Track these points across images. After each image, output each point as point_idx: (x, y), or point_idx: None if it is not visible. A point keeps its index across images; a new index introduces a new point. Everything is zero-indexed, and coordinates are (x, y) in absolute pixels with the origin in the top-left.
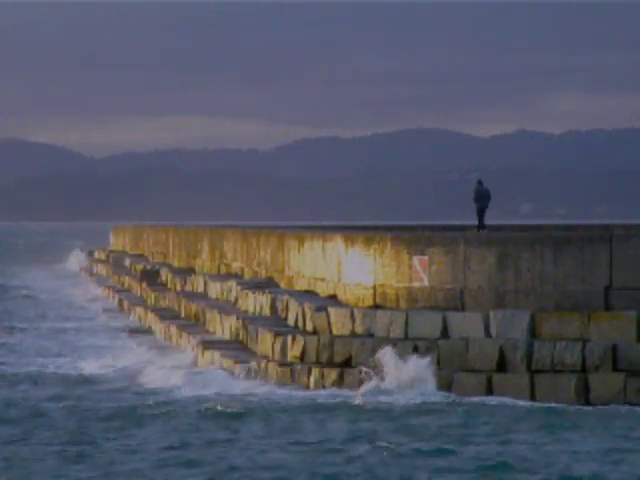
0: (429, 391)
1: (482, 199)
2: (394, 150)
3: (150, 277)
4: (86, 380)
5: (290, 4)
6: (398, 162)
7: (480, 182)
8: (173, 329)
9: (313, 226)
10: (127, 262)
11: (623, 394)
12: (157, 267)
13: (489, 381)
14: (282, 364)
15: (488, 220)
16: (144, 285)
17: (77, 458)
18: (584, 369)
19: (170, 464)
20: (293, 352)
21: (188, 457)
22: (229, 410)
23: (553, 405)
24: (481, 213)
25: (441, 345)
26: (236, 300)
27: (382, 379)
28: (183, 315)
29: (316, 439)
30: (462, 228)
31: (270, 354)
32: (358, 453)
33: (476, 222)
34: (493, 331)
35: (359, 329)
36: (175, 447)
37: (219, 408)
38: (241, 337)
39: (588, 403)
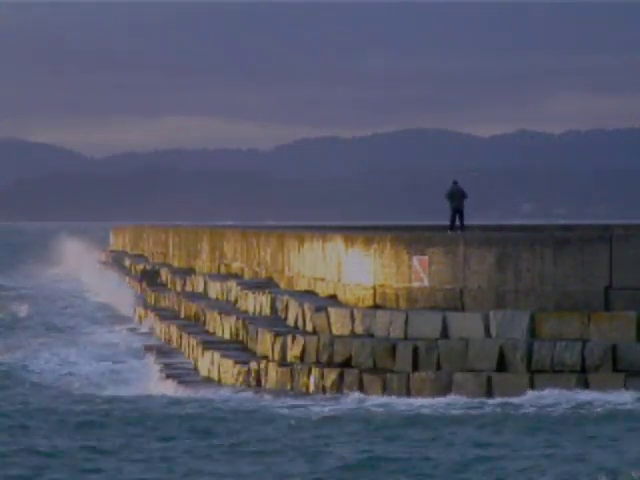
0: None
1: (455, 198)
2: (394, 150)
3: (150, 277)
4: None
5: (290, 4)
6: (398, 162)
7: (455, 182)
8: (173, 329)
9: (313, 226)
10: (127, 262)
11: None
12: (157, 267)
13: (489, 381)
14: (282, 364)
15: (489, 220)
16: (144, 285)
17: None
18: (584, 369)
19: None
20: (293, 352)
21: None
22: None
23: None
24: (456, 213)
25: (441, 345)
26: (236, 300)
27: None
28: (183, 315)
29: None
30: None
31: (270, 354)
32: None
33: (461, 223)
34: (493, 331)
35: (359, 329)
36: None
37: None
38: (241, 337)
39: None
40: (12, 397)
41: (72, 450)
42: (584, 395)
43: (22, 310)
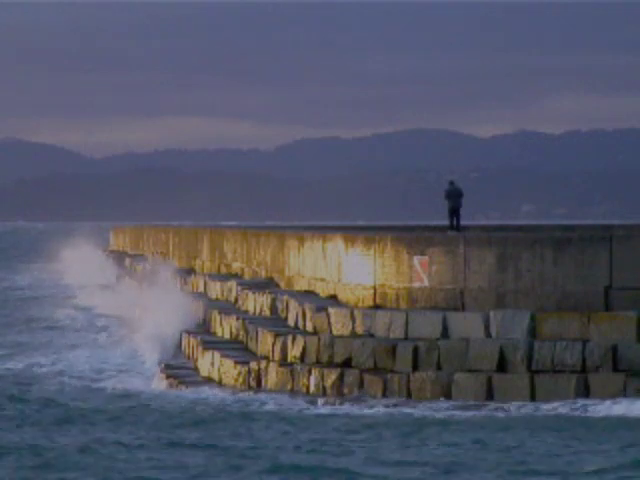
0: None
1: (453, 197)
2: (394, 150)
3: None
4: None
5: (290, 4)
6: (398, 162)
7: (452, 182)
8: None
9: (313, 226)
10: (127, 262)
11: (623, 395)
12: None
13: (489, 381)
14: (282, 364)
15: (491, 220)
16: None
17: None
18: (584, 369)
19: None
20: (293, 352)
21: None
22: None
23: None
24: (453, 213)
25: (441, 345)
26: (236, 300)
27: None
28: None
29: None
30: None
31: (270, 354)
32: None
33: (456, 223)
34: (493, 331)
35: (359, 329)
36: None
37: None
38: (241, 337)
39: None
40: (19, 394)
41: (72, 446)
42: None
43: (26, 310)
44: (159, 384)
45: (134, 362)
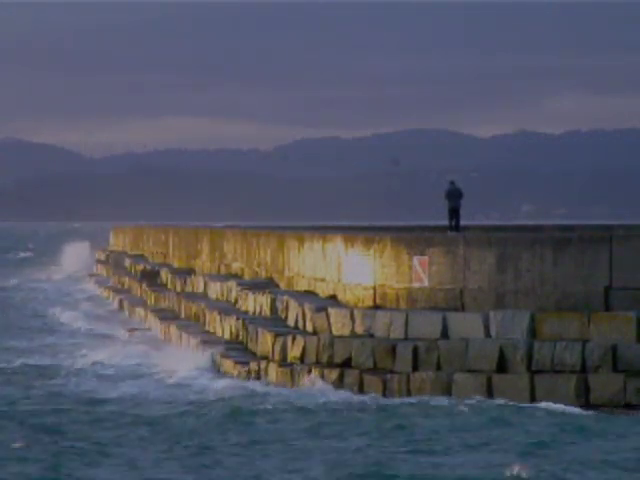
0: None
1: (453, 197)
2: (394, 150)
3: (150, 277)
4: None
5: (290, 4)
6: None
7: (452, 182)
8: (173, 329)
9: (313, 226)
10: (127, 262)
11: (623, 395)
12: (157, 267)
13: (489, 382)
14: (282, 365)
15: (490, 220)
16: (144, 285)
17: None
18: (584, 369)
19: None
20: (293, 353)
21: None
22: None
23: None
24: (453, 213)
25: (441, 345)
26: (236, 300)
27: None
28: (183, 315)
29: None
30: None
31: (270, 355)
32: None
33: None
34: (493, 331)
35: (359, 329)
36: None
37: None
38: (241, 338)
39: (588, 404)
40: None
41: (84, 446)
42: None
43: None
44: (158, 384)
45: (132, 360)
